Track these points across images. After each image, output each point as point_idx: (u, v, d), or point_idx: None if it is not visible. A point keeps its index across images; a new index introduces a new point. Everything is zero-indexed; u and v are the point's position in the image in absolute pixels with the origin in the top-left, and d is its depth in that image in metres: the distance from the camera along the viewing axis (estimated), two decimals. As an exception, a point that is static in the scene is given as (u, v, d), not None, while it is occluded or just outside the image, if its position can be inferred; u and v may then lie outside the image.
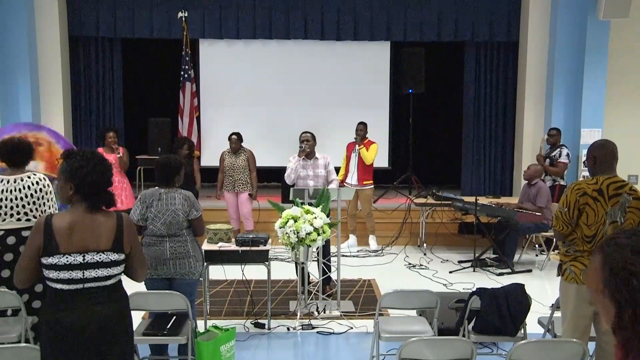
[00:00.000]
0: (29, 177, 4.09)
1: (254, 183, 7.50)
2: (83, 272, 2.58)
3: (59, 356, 2.59)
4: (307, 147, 5.93)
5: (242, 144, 7.55)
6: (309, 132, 6.08)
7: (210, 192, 9.28)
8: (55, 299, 2.60)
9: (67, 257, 2.56)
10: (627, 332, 1.53)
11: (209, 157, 9.27)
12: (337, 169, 6.53)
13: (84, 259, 2.58)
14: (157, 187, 4.16)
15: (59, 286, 2.58)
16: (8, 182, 4.04)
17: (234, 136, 7.47)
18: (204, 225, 4.26)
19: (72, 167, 2.62)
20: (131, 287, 3.89)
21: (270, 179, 10.10)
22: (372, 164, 7.76)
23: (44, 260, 2.56)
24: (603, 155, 3.54)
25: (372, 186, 7.90)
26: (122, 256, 2.67)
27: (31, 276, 2.63)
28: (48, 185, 4.13)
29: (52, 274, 2.57)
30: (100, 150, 7.40)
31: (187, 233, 4.10)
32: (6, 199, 4.01)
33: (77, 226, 2.60)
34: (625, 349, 1.56)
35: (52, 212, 4.02)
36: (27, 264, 2.60)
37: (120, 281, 2.74)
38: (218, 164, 7.67)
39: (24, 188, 4.04)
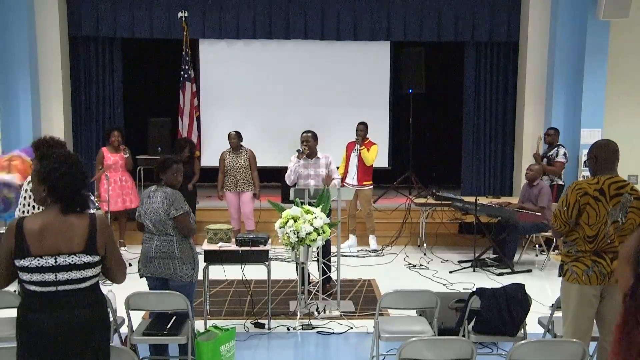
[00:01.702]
0: None
1: (256, 182, 7.49)
2: (55, 275, 2.56)
3: (31, 357, 2.58)
4: (307, 148, 5.92)
5: (242, 143, 7.54)
6: (310, 132, 6.04)
7: (211, 192, 9.29)
8: (29, 300, 2.60)
9: (38, 260, 2.54)
10: (633, 303, 1.78)
11: (209, 157, 9.27)
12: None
13: (55, 262, 2.56)
14: (154, 186, 4.22)
15: (32, 288, 2.58)
16: None
17: (233, 132, 7.47)
18: (190, 225, 4.10)
19: (45, 169, 2.61)
20: (132, 287, 3.90)
21: (270, 179, 10.09)
22: (372, 164, 7.76)
23: (17, 262, 2.56)
24: (605, 154, 3.54)
25: (372, 186, 7.90)
26: (97, 258, 2.64)
27: (7, 278, 2.64)
28: None
29: (25, 276, 2.57)
30: (104, 149, 7.41)
31: (175, 233, 4.07)
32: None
33: (49, 228, 2.57)
34: (626, 317, 1.79)
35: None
36: (2, 266, 2.60)
37: (97, 284, 2.71)
38: (218, 164, 7.66)
39: None
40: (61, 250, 2.57)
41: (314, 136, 6.02)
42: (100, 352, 2.69)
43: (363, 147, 7.65)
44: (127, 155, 7.43)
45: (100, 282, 2.76)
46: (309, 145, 5.94)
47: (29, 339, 2.58)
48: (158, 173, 4.17)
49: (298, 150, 6.00)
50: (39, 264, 2.54)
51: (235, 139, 7.44)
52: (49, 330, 2.55)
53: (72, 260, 2.58)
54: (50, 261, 2.55)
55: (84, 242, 2.60)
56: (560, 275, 3.69)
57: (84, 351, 2.61)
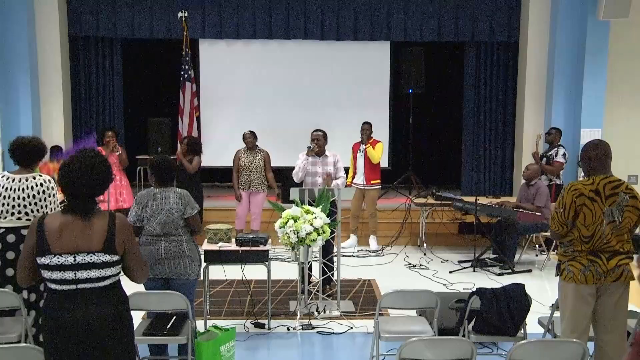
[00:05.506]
0: (34, 178, 4.15)
1: (272, 183, 7.47)
2: (75, 273, 2.57)
3: (57, 355, 2.60)
4: (317, 146, 6.02)
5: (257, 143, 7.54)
6: (321, 131, 6.16)
7: (211, 192, 9.29)
8: (51, 298, 2.63)
9: (58, 258, 2.56)
10: None
11: (209, 156, 9.26)
12: (345, 169, 6.52)
13: (74, 260, 2.57)
14: (151, 188, 4.17)
15: (53, 286, 2.60)
16: (13, 180, 4.11)
17: (247, 132, 7.47)
18: (201, 224, 4.22)
19: (60, 170, 2.64)
20: (131, 287, 3.89)
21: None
22: (379, 163, 7.77)
23: (38, 260, 2.58)
24: (598, 155, 3.54)
25: (380, 186, 7.91)
26: (115, 257, 2.65)
27: (30, 275, 2.66)
28: (53, 187, 4.18)
29: (46, 274, 2.59)
30: (99, 149, 7.42)
31: (183, 232, 4.09)
32: (9, 197, 4.07)
33: (68, 226, 2.60)
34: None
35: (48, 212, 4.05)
36: (25, 263, 2.64)
37: (117, 282, 2.72)
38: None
39: (27, 188, 4.09)
40: (80, 248, 2.59)
41: (324, 135, 6.16)
42: (122, 349, 2.70)
43: (368, 145, 7.67)
44: (119, 152, 7.43)
45: None
46: (319, 143, 6.03)
47: (52, 337, 2.60)
48: (168, 175, 4.15)
49: (308, 147, 6.06)
50: (58, 261, 2.56)
51: (251, 138, 7.44)
52: (70, 327, 2.56)
53: (91, 259, 2.59)
54: (70, 259, 2.57)
55: (103, 240, 2.62)
56: (557, 275, 3.70)
57: (105, 349, 2.62)
